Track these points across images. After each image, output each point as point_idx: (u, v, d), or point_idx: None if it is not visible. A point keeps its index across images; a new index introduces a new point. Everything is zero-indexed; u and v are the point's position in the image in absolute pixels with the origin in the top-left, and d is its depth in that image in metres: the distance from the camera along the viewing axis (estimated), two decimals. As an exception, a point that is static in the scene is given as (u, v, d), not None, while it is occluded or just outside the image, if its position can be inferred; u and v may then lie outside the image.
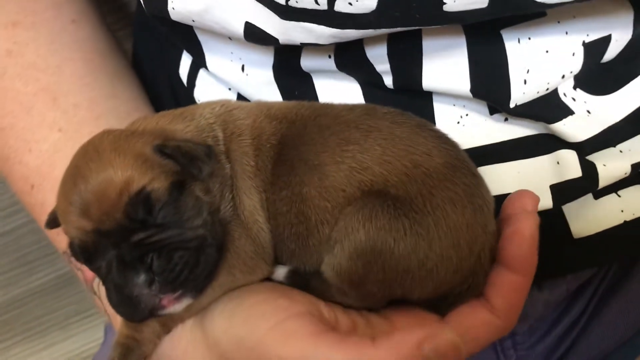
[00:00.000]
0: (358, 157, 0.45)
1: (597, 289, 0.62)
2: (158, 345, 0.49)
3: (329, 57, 0.51)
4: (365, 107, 0.48)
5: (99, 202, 0.42)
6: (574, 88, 0.50)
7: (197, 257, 0.44)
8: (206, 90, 0.58)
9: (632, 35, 0.49)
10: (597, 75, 0.50)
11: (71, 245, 0.45)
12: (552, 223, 0.51)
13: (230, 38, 0.54)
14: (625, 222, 0.52)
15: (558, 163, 0.49)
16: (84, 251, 0.44)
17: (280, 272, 0.48)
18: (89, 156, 0.44)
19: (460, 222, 0.43)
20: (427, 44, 0.48)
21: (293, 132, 0.48)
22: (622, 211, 0.52)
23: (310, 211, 0.46)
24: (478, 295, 0.45)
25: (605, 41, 0.49)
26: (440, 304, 0.45)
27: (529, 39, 0.48)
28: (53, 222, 0.48)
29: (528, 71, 0.48)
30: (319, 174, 0.45)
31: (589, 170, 0.50)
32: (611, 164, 0.50)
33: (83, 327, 1.17)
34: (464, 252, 0.43)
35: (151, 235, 0.43)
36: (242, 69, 0.54)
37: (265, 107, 0.51)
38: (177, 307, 0.44)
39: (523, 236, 0.44)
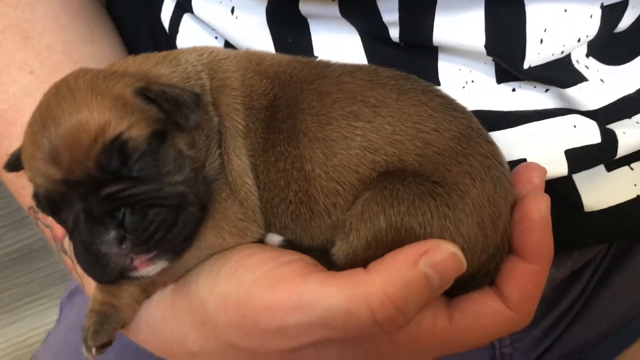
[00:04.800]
0: (368, 135, 0.41)
1: (597, 269, 0.60)
2: (137, 312, 0.45)
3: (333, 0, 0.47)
4: (367, 71, 0.44)
5: (70, 148, 0.38)
6: (587, 56, 0.48)
7: (176, 216, 0.40)
8: (190, 38, 0.54)
9: None
10: (610, 45, 0.48)
11: (35, 195, 0.41)
12: (564, 195, 0.49)
13: None
14: (638, 196, 0.50)
15: (575, 127, 0.47)
16: (50, 202, 0.40)
17: (275, 239, 0.45)
18: (61, 95, 0.40)
19: (482, 197, 0.40)
20: None
21: (287, 95, 0.44)
22: (635, 185, 0.50)
23: (317, 193, 0.42)
24: None
25: (622, 7, 0.47)
26: (468, 284, 0.42)
27: None
28: (14, 164, 0.44)
29: (545, 30, 0.46)
30: (324, 150, 0.42)
31: (609, 136, 0.47)
32: (631, 132, 0.47)
33: (30, 312, 1.11)
34: (489, 229, 0.41)
35: (124, 189, 0.39)
36: (232, 11, 0.50)
37: (255, 60, 0.47)
38: (150, 270, 0.40)
39: (533, 220, 0.40)
